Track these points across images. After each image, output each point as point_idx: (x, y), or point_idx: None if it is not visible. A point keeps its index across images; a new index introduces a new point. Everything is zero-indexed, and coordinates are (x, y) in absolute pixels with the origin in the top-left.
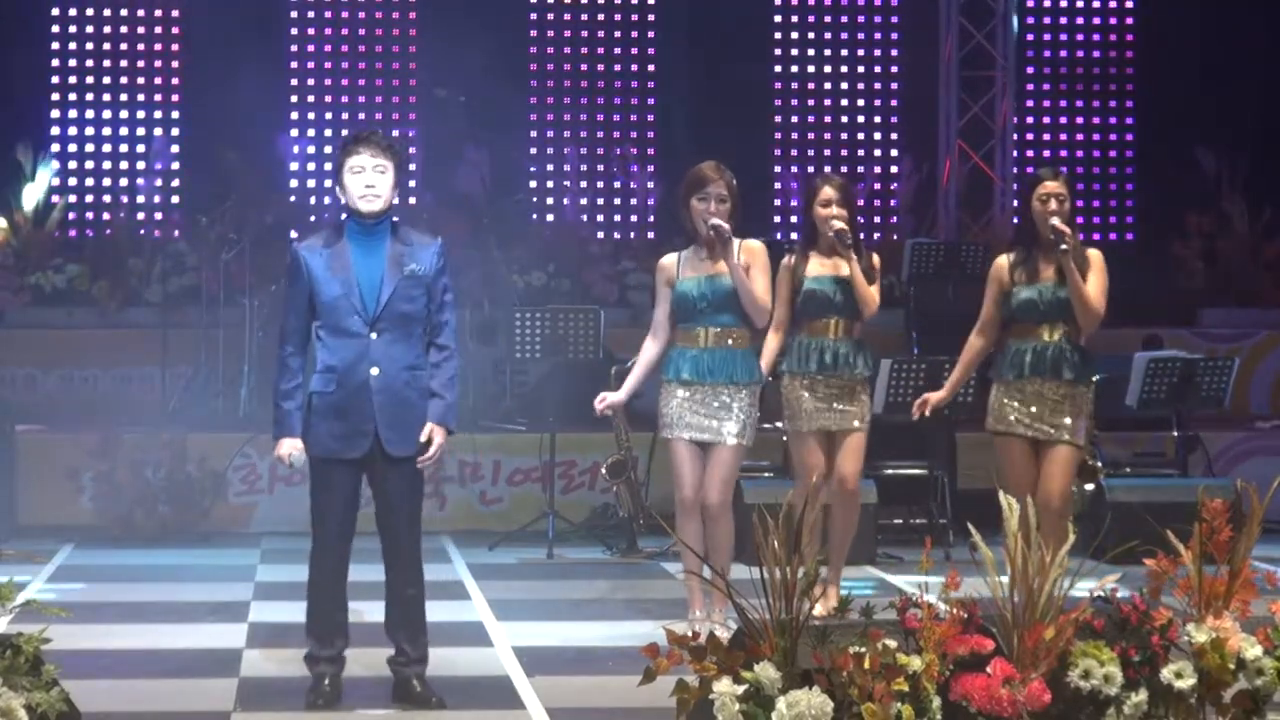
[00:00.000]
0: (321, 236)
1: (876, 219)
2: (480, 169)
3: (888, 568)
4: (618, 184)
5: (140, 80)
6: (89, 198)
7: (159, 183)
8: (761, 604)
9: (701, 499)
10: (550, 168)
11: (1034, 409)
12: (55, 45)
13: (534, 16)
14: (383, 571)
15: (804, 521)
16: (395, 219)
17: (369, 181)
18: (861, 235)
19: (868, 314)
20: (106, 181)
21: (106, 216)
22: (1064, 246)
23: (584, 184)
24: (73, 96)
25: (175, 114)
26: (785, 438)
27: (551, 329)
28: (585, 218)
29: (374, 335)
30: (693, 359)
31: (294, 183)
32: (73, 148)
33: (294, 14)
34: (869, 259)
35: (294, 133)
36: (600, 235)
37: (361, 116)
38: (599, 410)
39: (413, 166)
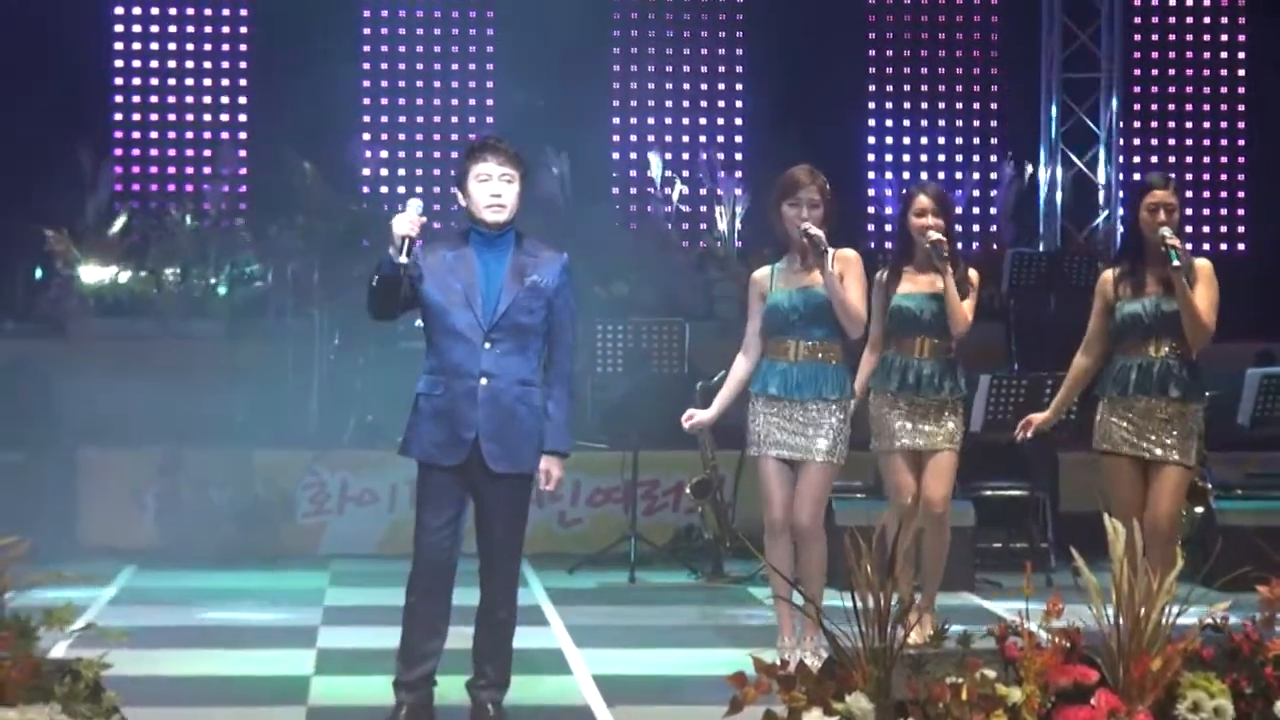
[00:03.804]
0: (446, 241)
1: (976, 227)
2: (560, 174)
3: (986, 593)
4: (704, 190)
5: (206, 82)
6: (153, 204)
7: (225, 189)
8: (854, 631)
9: (792, 520)
10: (633, 173)
11: (1140, 428)
12: (118, 46)
13: (617, 16)
14: (471, 597)
15: (898, 545)
16: (519, 231)
17: (495, 191)
18: (959, 245)
19: (956, 332)
20: (171, 188)
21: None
22: (1176, 264)
23: (668, 190)
24: (135, 99)
25: (243, 117)
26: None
27: (634, 342)
28: (670, 225)
29: (487, 344)
30: (781, 373)
31: (365, 189)
32: (136, 152)
33: (367, 13)
34: (964, 272)
35: (366, 136)
36: (686, 244)
37: (437, 120)
38: (686, 428)
39: None
